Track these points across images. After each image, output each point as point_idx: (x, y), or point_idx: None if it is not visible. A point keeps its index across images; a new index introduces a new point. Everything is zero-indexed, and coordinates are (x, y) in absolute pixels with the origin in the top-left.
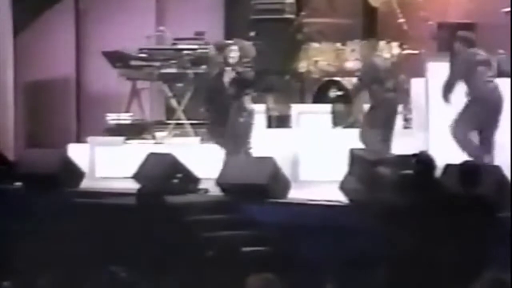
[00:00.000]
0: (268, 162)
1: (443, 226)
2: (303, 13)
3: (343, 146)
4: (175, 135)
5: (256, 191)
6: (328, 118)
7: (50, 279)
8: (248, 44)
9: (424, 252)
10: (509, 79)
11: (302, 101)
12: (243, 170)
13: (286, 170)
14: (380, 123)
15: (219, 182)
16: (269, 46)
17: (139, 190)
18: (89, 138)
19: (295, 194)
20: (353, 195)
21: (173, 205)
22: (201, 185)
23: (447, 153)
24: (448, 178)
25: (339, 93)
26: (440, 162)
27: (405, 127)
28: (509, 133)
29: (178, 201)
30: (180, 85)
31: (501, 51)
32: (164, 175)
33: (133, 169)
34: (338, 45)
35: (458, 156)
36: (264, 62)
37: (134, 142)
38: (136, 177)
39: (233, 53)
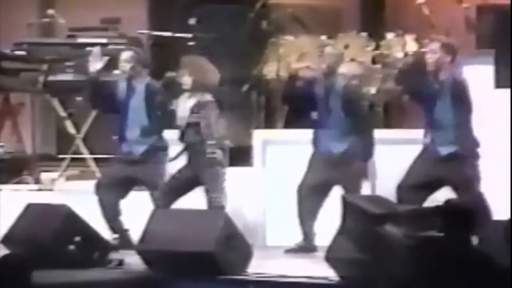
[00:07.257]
0: (217, 217)
1: None
2: None
3: (331, 193)
4: (71, 177)
5: (199, 262)
6: (308, 150)
7: None
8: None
9: None
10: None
11: (269, 124)
12: (178, 231)
13: (245, 230)
14: None
15: (140, 250)
16: (218, 40)
17: (6, 257)
18: None
19: (259, 266)
20: (345, 269)
21: (67, 285)
22: (113, 254)
23: None
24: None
25: None
26: None
27: None
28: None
29: (76, 278)
30: (79, 99)
31: None
32: (53, 238)
33: (3, 228)
34: (323, 38)
35: None
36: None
37: (6, 188)
38: (6, 241)
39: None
